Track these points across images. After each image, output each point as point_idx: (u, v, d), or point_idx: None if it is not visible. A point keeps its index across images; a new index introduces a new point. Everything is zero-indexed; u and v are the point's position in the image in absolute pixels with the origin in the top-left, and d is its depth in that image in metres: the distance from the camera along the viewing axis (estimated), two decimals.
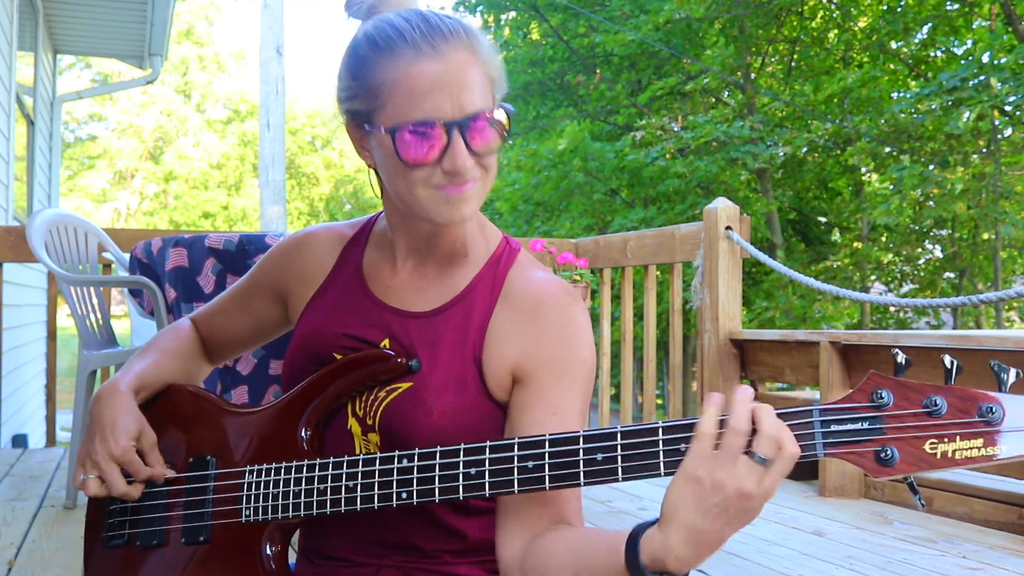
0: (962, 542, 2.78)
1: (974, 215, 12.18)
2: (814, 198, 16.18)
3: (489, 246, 1.25)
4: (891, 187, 12.29)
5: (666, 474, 0.96)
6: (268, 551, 1.17)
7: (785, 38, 15.49)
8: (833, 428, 0.91)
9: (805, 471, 4.07)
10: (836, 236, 16.40)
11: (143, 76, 9.53)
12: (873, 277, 16.17)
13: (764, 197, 14.28)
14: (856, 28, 14.51)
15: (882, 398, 0.90)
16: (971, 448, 0.87)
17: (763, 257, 4.09)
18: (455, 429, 1.13)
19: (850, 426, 0.90)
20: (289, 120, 24.09)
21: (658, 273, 6.35)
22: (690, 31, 14.71)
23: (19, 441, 6.38)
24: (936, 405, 0.88)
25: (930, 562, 2.55)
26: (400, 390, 1.17)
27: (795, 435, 0.91)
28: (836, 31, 15.22)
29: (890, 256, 15.70)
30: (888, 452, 0.89)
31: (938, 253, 15.78)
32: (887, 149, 13.34)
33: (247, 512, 1.18)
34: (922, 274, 15.69)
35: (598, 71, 15.87)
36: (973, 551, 2.68)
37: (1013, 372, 0.87)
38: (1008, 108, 12.18)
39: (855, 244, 15.36)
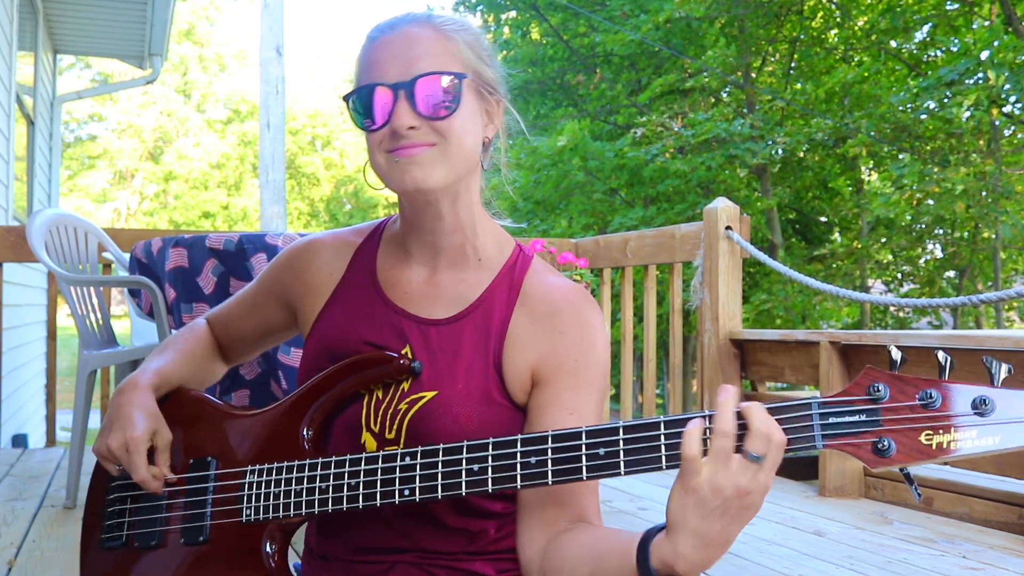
0: (962, 542, 2.78)
1: (974, 215, 12.17)
2: (814, 198, 16.18)
3: (503, 253, 1.26)
4: (891, 184, 12.28)
5: (668, 467, 0.97)
6: (268, 549, 1.17)
7: (785, 37, 15.49)
8: (831, 420, 0.93)
9: (805, 471, 4.06)
10: (836, 236, 16.40)
11: (143, 76, 9.53)
12: (873, 277, 16.17)
13: (764, 197, 14.28)
14: (856, 27, 14.51)
15: (879, 391, 0.92)
16: (965, 439, 0.89)
17: (763, 257, 4.09)
18: (482, 435, 1.13)
19: (848, 419, 0.93)
20: (289, 120, 24.08)
21: (658, 273, 6.35)
22: (690, 30, 14.70)
23: (19, 441, 6.38)
24: (931, 398, 0.91)
25: (930, 562, 2.55)
26: (424, 400, 1.17)
27: (794, 427, 0.93)
28: (836, 30, 15.21)
29: (890, 256, 15.69)
30: (885, 443, 0.91)
31: (938, 253, 15.78)
32: (887, 148, 13.33)
33: (248, 512, 1.18)
34: (922, 274, 15.68)
35: (598, 71, 15.86)
36: (973, 551, 2.68)
37: (1004, 367, 0.90)
38: (1008, 108, 12.17)
39: (855, 244, 15.35)
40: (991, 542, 2.79)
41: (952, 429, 0.90)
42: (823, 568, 2.50)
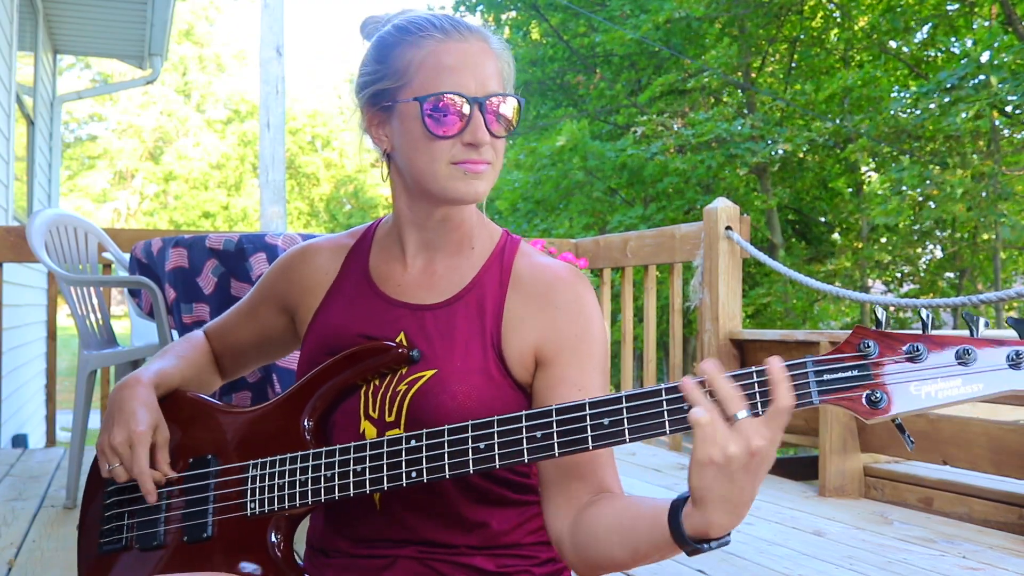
0: (962, 542, 2.78)
1: (974, 216, 12.16)
2: (814, 199, 16.18)
3: (492, 239, 1.30)
4: (891, 187, 12.28)
5: (671, 432, 1.01)
6: (274, 539, 1.18)
7: (785, 38, 15.48)
8: (826, 377, 0.99)
9: (805, 471, 4.07)
10: (836, 236, 16.40)
11: (143, 76, 9.54)
12: (873, 277, 16.16)
13: (764, 197, 14.28)
14: (856, 28, 14.50)
15: (868, 347, 0.98)
16: (951, 388, 0.96)
17: (763, 257, 4.09)
18: (481, 412, 1.16)
19: (841, 374, 0.99)
20: (289, 120, 24.07)
21: (658, 273, 6.35)
22: (690, 30, 14.70)
23: (19, 441, 6.39)
24: (917, 351, 0.97)
25: (930, 562, 2.55)
26: (424, 379, 1.19)
27: (792, 386, 0.98)
28: (836, 31, 15.21)
29: (890, 257, 15.69)
30: (877, 395, 0.97)
31: (938, 253, 15.78)
32: (887, 149, 13.32)
33: (252, 505, 1.19)
34: (922, 274, 15.68)
35: (598, 71, 15.86)
36: (973, 551, 2.68)
37: (982, 320, 0.96)
38: (1008, 109, 12.16)
39: (856, 244, 15.34)
40: (991, 542, 2.79)
41: (938, 379, 0.96)
42: (823, 568, 2.50)
